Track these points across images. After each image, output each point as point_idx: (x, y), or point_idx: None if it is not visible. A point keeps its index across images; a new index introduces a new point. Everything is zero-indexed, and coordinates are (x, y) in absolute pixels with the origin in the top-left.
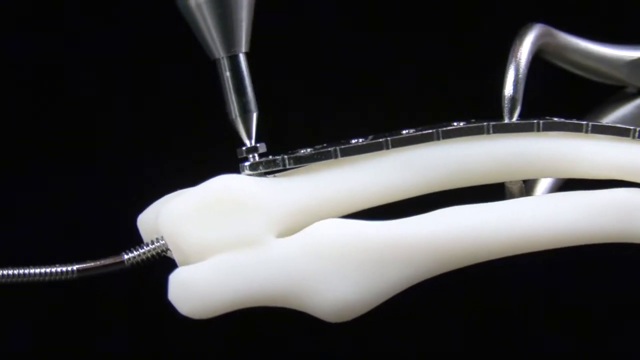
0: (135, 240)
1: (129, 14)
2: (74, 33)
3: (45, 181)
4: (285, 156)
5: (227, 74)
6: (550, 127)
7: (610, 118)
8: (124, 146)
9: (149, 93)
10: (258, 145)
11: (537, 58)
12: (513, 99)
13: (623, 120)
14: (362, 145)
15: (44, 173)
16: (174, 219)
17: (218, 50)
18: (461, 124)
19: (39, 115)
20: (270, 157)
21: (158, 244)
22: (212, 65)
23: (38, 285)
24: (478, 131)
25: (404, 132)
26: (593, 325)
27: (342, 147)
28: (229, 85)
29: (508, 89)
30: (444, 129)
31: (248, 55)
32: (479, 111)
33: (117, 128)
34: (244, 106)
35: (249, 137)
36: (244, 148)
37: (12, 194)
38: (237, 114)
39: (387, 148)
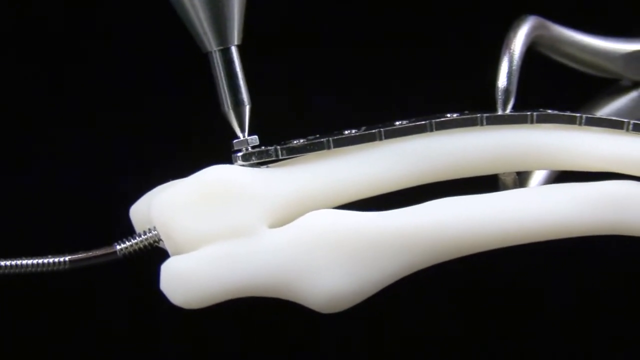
0: (128, 230)
1: (122, 11)
2: (72, 32)
3: (38, 170)
4: (278, 147)
5: (219, 66)
6: (544, 119)
7: (605, 111)
8: (116, 138)
9: (142, 87)
10: (251, 137)
11: (532, 50)
12: (507, 90)
13: (618, 113)
14: (355, 136)
15: (37, 164)
16: (166, 209)
17: (210, 43)
18: (454, 115)
19: (38, 106)
20: (263, 147)
21: (150, 234)
22: (205, 58)
23: (30, 276)
24: (471, 123)
25: (397, 123)
26: (591, 322)
27: (335, 138)
28: (221, 78)
29: (502, 81)
30: (438, 120)
31: (240, 47)
32: (473, 103)
33: (111, 121)
34: (237, 99)
35: (242, 130)
36: (236, 141)
37: (6, 184)
38: (230, 106)
39: (380, 139)
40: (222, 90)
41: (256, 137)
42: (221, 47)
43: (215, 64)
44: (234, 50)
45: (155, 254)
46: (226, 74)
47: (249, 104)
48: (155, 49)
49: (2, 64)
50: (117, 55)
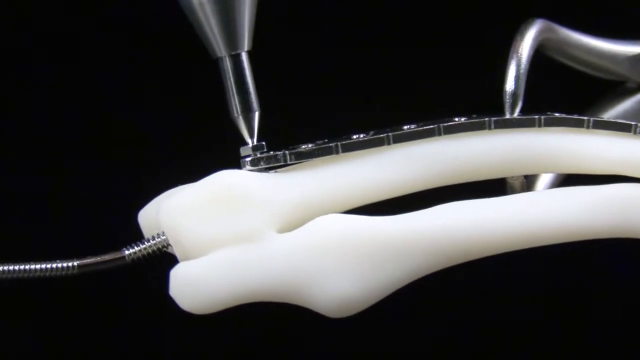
0: (137, 236)
1: (131, 12)
2: (74, 32)
3: (47, 177)
4: (287, 152)
5: (229, 72)
6: (551, 123)
7: (611, 113)
8: (125, 142)
9: (152, 91)
10: (260, 144)
11: (539, 53)
12: (514, 94)
13: (624, 115)
14: (364, 141)
15: (46, 169)
16: (174, 214)
17: (220, 49)
18: (462, 119)
19: (42, 110)
20: (272, 152)
21: (159, 239)
22: (215, 64)
23: (39, 281)
24: (479, 126)
25: (405, 127)
26: (592, 323)
27: (344, 142)
28: (231, 84)
29: (509, 85)
30: (446, 124)
31: (250, 54)
32: (481, 107)
33: (119, 124)
34: (246, 105)
35: (251, 136)
36: (244, 147)
37: (14, 188)
38: (239, 112)
39: (389, 143)
40: (232, 96)
41: (264, 144)
42: (231, 53)
43: (225, 70)
44: (244, 56)
45: (165, 259)
46: (236, 80)
47: (258, 110)
48: (163, 52)
49: (1, 64)
50: (124, 57)
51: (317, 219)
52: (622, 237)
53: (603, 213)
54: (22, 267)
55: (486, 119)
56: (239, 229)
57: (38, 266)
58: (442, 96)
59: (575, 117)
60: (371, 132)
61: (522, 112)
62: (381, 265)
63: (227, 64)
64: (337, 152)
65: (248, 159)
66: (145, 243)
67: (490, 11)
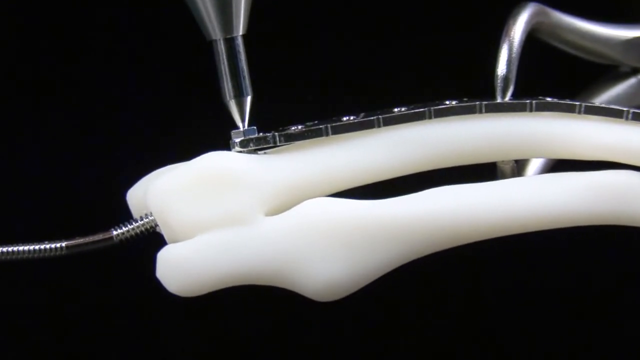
0: (125, 216)
1: None
2: (73, 22)
3: (34, 156)
4: (276, 133)
5: (223, 55)
6: (543, 107)
7: (604, 97)
8: (112, 123)
9: (142, 70)
10: (249, 129)
11: (531, 37)
12: (506, 78)
13: (616, 99)
14: (354, 123)
15: (32, 149)
16: (162, 195)
17: (215, 31)
18: (453, 102)
19: (39, 99)
20: (261, 134)
21: (147, 219)
22: (209, 47)
23: (27, 262)
24: (470, 110)
25: (395, 110)
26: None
27: (333, 124)
28: (224, 68)
29: (501, 69)
30: (436, 107)
31: (245, 37)
32: (472, 90)
33: (107, 107)
34: (239, 89)
35: (243, 120)
36: (235, 131)
37: (10, 172)
38: (232, 96)
39: (379, 126)
40: (225, 80)
41: (255, 128)
42: (226, 36)
43: (219, 53)
44: (239, 40)
45: (153, 239)
46: (229, 64)
47: (250, 95)
48: (159, 34)
49: (2, 60)
50: (116, 43)
51: (305, 202)
52: (613, 223)
53: (593, 200)
54: (9, 248)
55: (477, 102)
56: (226, 211)
57: (26, 247)
58: (433, 79)
59: (567, 102)
60: (361, 115)
61: (513, 96)
62: (369, 249)
63: (222, 47)
64: (327, 134)
65: (237, 139)
66: (134, 223)
67: None
